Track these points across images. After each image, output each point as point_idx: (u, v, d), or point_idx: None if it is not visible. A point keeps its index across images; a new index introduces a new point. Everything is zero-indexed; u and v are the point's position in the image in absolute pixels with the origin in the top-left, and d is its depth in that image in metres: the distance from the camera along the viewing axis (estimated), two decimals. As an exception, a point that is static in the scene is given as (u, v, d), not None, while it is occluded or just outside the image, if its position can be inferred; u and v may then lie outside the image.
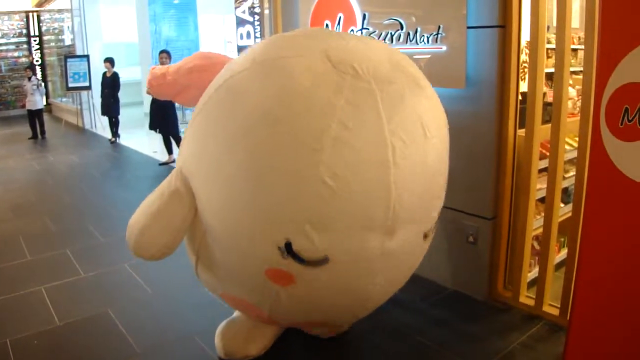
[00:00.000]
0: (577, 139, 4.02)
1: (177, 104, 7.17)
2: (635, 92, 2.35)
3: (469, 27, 3.60)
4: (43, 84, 14.38)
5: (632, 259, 2.44)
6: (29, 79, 12.73)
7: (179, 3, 14.34)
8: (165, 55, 8.95)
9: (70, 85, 13.60)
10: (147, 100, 10.89)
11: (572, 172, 4.02)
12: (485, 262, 3.88)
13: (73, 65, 13.52)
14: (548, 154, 3.60)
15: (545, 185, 3.65)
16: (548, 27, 3.59)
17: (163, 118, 8.68)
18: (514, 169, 3.75)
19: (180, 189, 2.56)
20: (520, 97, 3.67)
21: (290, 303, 2.57)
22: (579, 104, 4.13)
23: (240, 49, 6.43)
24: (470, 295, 3.98)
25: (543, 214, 3.67)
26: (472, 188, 3.85)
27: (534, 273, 3.92)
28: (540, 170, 3.71)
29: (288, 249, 2.27)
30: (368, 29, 4.22)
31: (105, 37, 15.56)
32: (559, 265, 3.94)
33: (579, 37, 4.53)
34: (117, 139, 11.80)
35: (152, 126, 8.95)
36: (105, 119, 12.10)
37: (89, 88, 13.53)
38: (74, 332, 3.71)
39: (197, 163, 2.52)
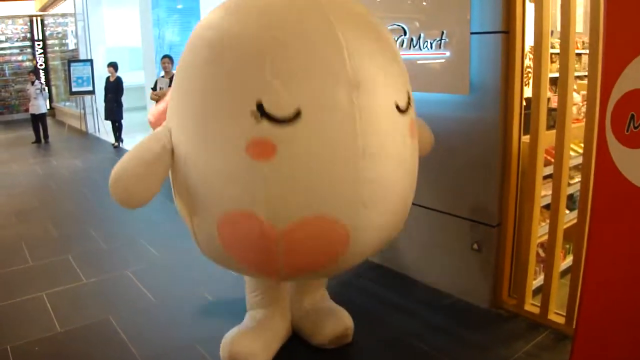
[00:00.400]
0: (581, 144, 4.00)
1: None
2: (641, 98, 2.32)
3: (472, 33, 3.57)
4: (46, 88, 14.41)
5: (639, 266, 2.40)
6: (32, 83, 12.78)
7: (183, 8, 14.33)
8: (167, 60, 8.97)
9: (74, 89, 13.60)
10: (151, 104, 10.88)
11: (577, 179, 3.99)
12: (489, 270, 3.85)
13: (76, 70, 13.53)
14: (553, 160, 3.57)
15: (550, 192, 3.62)
16: (552, 32, 3.56)
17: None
18: (518, 176, 3.72)
19: (162, 132, 2.76)
20: (524, 103, 3.64)
21: (280, 185, 2.43)
22: (583, 109, 4.12)
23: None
24: (475, 303, 3.94)
25: (548, 221, 3.64)
26: (477, 195, 3.82)
27: (538, 281, 3.88)
28: (545, 177, 3.68)
29: (260, 110, 2.34)
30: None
31: (109, 41, 15.56)
32: (564, 273, 3.90)
33: (583, 42, 4.51)
34: (120, 143, 11.81)
35: (156, 130, 8.92)
36: (109, 124, 12.12)
37: (92, 92, 13.54)
38: (75, 339, 3.69)
39: (172, 107, 2.78)
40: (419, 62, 3.92)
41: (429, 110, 3.94)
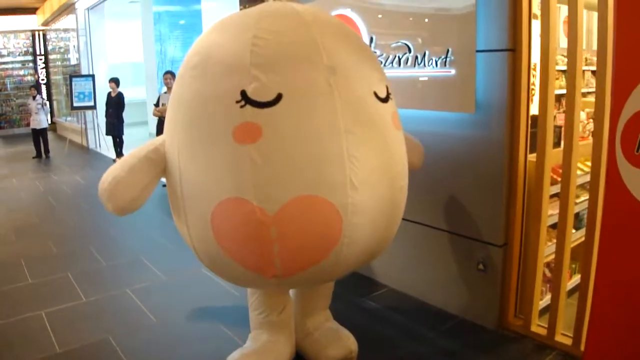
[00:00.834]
0: (587, 163, 3.97)
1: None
2: (652, 119, 2.29)
3: (478, 51, 3.54)
4: (48, 103, 14.40)
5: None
6: (34, 97, 12.78)
7: (185, 23, 14.40)
8: (169, 76, 8.95)
9: (75, 104, 13.61)
10: (152, 120, 10.89)
11: (583, 197, 3.95)
12: (495, 290, 3.79)
13: (78, 85, 13.54)
14: (559, 179, 3.53)
15: (556, 211, 3.58)
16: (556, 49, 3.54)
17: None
18: (524, 195, 3.67)
19: (158, 141, 2.87)
20: (529, 121, 3.61)
21: (269, 167, 2.48)
22: (588, 127, 4.09)
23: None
24: (480, 324, 3.88)
25: (554, 240, 3.59)
26: (482, 214, 3.77)
27: (545, 301, 3.82)
28: (551, 196, 3.64)
29: (244, 97, 2.48)
30: (375, 52, 4.17)
31: (111, 56, 15.62)
32: (570, 292, 3.84)
33: (586, 59, 4.48)
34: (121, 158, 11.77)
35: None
36: (110, 139, 12.10)
37: (93, 108, 13.55)
38: (74, 360, 3.64)
39: (168, 114, 2.90)
40: (423, 80, 3.89)
41: (434, 128, 3.92)
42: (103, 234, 6.57)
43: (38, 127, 12.78)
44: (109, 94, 11.66)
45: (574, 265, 4.09)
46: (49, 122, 14.75)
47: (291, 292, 3.44)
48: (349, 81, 2.64)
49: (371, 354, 3.48)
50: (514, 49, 3.44)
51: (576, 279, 3.94)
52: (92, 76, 13.75)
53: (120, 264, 5.48)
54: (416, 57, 3.91)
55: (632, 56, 2.43)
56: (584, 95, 4.25)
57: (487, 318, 3.85)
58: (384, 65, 4.08)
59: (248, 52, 2.55)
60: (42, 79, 19.06)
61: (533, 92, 3.69)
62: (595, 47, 3.69)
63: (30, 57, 18.96)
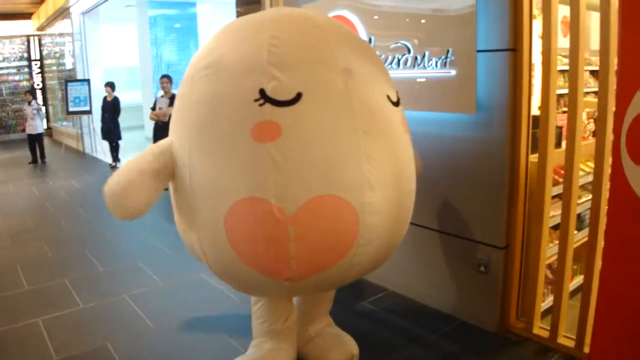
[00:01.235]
0: (589, 163, 3.95)
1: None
2: (658, 118, 2.26)
3: (479, 51, 3.51)
4: (43, 108, 14.34)
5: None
6: (29, 103, 12.72)
7: (180, 27, 14.38)
8: (166, 79, 8.92)
9: (71, 109, 13.55)
10: (148, 124, 10.85)
11: (585, 198, 3.93)
12: (497, 292, 3.75)
13: (73, 90, 13.48)
14: (561, 180, 3.50)
15: (558, 212, 3.55)
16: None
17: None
18: (526, 196, 3.64)
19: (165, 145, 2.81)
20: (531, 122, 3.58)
21: (286, 166, 2.44)
22: (589, 127, 4.06)
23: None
24: (482, 326, 3.84)
25: (556, 242, 3.56)
26: (483, 216, 3.74)
27: (547, 303, 3.79)
28: (553, 197, 3.60)
29: (263, 95, 2.47)
30: (374, 53, 4.14)
31: (106, 61, 15.57)
32: (572, 294, 3.81)
33: (585, 58, 4.46)
34: (118, 163, 11.73)
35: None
36: (106, 144, 12.04)
37: (89, 112, 13.48)
38: (72, 368, 3.59)
39: (175, 116, 2.86)
40: (424, 80, 3.86)
41: (434, 129, 3.89)
42: (100, 239, 6.51)
43: (34, 133, 12.71)
44: (105, 98, 11.60)
45: (575, 267, 4.06)
46: (45, 127, 14.70)
47: (294, 299, 3.40)
48: (364, 84, 2.67)
49: (372, 357, 3.45)
50: (515, 49, 3.41)
51: (578, 280, 3.91)
52: (88, 81, 13.69)
53: (118, 270, 5.42)
54: (416, 58, 3.88)
55: (636, 55, 2.40)
56: (584, 95, 4.24)
57: (488, 321, 3.81)
58: (383, 66, 4.06)
59: (265, 52, 2.54)
60: (38, 84, 19.00)
61: (532, 92, 3.66)
62: (593, 47, 3.69)
63: (25, 62, 18.90)
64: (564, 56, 3.84)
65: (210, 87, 2.64)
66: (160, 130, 8.38)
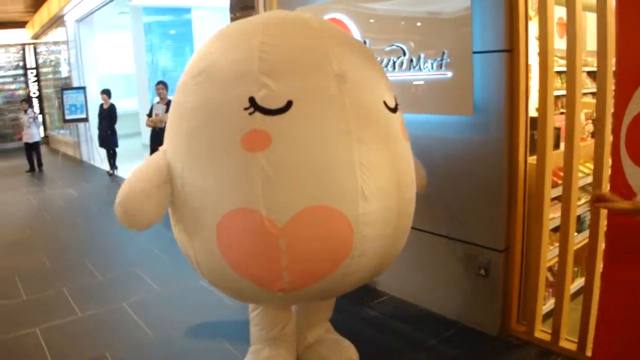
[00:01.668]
0: (587, 164, 3.93)
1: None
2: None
3: (474, 52, 3.50)
4: (40, 116, 14.30)
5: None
6: (25, 111, 12.69)
7: (175, 33, 14.35)
8: (162, 86, 8.91)
9: (67, 117, 13.51)
10: (145, 131, 10.82)
11: (584, 200, 3.91)
12: (497, 296, 3.73)
13: (70, 97, 13.44)
14: (560, 181, 3.48)
15: (557, 214, 3.52)
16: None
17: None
18: (525, 198, 3.62)
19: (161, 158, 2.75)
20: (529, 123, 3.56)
21: (277, 177, 2.40)
22: (587, 128, 4.05)
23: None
24: (482, 330, 3.81)
25: (557, 244, 3.54)
26: (483, 219, 3.71)
27: (548, 306, 3.77)
28: (552, 199, 3.58)
29: (253, 104, 2.42)
30: (370, 56, 4.13)
31: (102, 68, 15.55)
32: (573, 296, 3.78)
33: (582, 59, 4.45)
34: (115, 171, 11.71)
35: (152, 157, 8.83)
36: (103, 151, 12.01)
37: (86, 120, 13.46)
38: (70, 378, 3.55)
39: (169, 123, 2.84)
40: (419, 83, 3.85)
41: (431, 132, 3.87)
42: (97, 247, 6.48)
43: (30, 141, 12.69)
44: (101, 105, 11.58)
45: (576, 269, 4.03)
46: (42, 135, 14.67)
47: (293, 306, 3.37)
48: (359, 89, 2.60)
49: (373, 364, 3.42)
50: (511, 50, 3.40)
51: (579, 282, 3.88)
52: (84, 88, 13.67)
53: (116, 277, 5.39)
54: (411, 60, 3.86)
55: (634, 56, 2.39)
56: (582, 96, 4.22)
57: (489, 324, 3.79)
58: (379, 69, 4.04)
59: (256, 59, 2.50)
60: (34, 93, 18.98)
61: (529, 93, 3.65)
62: (589, 47, 3.67)
63: (21, 71, 18.88)
64: (561, 57, 3.83)
65: (202, 95, 2.60)
66: (157, 136, 8.35)
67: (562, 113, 3.56)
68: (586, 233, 3.40)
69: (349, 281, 2.68)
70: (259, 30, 2.64)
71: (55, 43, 16.47)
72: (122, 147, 12.05)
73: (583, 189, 3.90)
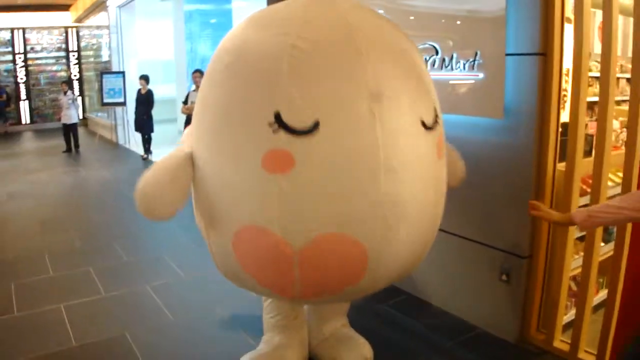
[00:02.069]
0: (618, 174, 3.84)
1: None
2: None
3: (507, 54, 3.44)
4: (80, 98, 14.56)
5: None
6: (65, 93, 12.97)
7: (215, 22, 14.46)
8: (198, 74, 8.99)
9: (105, 100, 13.76)
10: (181, 117, 10.95)
11: (613, 209, 3.81)
12: (518, 303, 3.68)
13: (108, 81, 13.69)
14: (589, 190, 3.41)
15: (584, 223, 3.45)
16: (590, 54, 3.42)
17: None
18: (552, 205, 3.55)
19: (186, 152, 2.65)
20: (560, 129, 3.49)
21: (297, 198, 2.32)
22: (622, 136, 3.95)
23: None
24: (501, 336, 3.76)
25: (582, 254, 3.47)
26: (507, 224, 3.66)
27: (569, 316, 3.70)
28: (580, 207, 3.51)
29: (278, 121, 2.26)
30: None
31: (142, 54, 15.77)
32: (596, 308, 3.71)
33: (621, 65, 4.35)
34: (149, 155, 11.87)
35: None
36: (139, 135, 12.19)
37: (123, 104, 13.67)
38: (89, 355, 3.64)
39: (195, 114, 2.72)
40: (450, 83, 3.80)
41: (460, 133, 3.81)
42: (126, 230, 6.59)
43: (68, 122, 12.96)
44: (139, 91, 11.74)
45: (601, 280, 3.95)
46: (80, 117, 14.95)
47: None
48: (394, 109, 2.37)
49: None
50: (544, 53, 3.33)
51: (603, 294, 3.80)
52: (123, 73, 13.89)
53: (142, 260, 5.49)
54: (443, 60, 3.82)
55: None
56: (619, 103, 4.13)
57: (508, 331, 3.74)
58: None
59: (286, 63, 2.31)
60: (75, 75, 19.35)
61: (565, 98, 3.58)
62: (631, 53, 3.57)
63: (63, 54, 19.26)
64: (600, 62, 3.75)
65: (225, 90, 2.49)
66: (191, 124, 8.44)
67: (597, 120, 3.48)
68: (614, 244, 3.32)
69: (361, 294, 2.67)
70: (292, 28, 2.42)
71: (98, 27, 16.76)
72: (158, 133, 12.21)
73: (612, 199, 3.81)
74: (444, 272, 4.17)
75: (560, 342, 3.59)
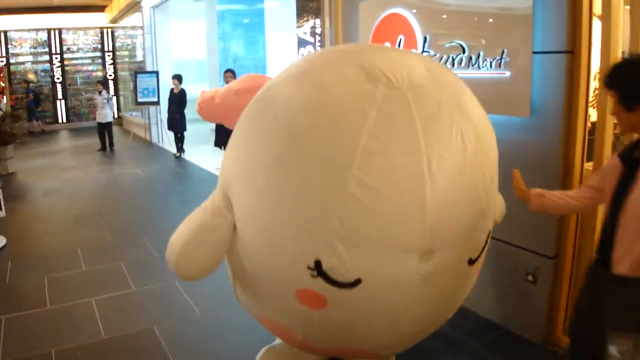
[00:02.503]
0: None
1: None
2: None
3: (534, 52, 3.41)
4: (115, 97, 14.79)
5: None
6: (100, 92, 13.22)
7: (248, 22, 14.57)
8: (230, 74, 9.08)
9: (139, 100, 13.99)
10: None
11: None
12: (544, 303, 3.63)
13: (143, 81, 13.91)
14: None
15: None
16: (623, 53, 3.36)
17: (229, 135, 8.65)
18: (579, 205, 3.50)
19: (221, 204, 2.49)
20: (589, 127, 3.44)
21: (323, 327, 2.41)
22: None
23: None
24: (527, 337, 3.73)
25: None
26: (534, 224, 3.62)
27: (598, 317, 3.64)
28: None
29: (318, 268, 2.14)
30: (429, 52, 4.09)
31: (175, 53, 15.97)
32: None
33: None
34: (182, 154, 12.02)
35: (218, 143, 9.02)
36: (172, 134, 12.36)
37: (157, 103, 13.87)
38: (118, 348, 3.73)
39: (233, 175, 2.44)
40: (477, 81, 3.77)
41: (486, 131, 3.79)
42: (158, 226, 6.70)
43: (103, 121, 13.21)
44: (172, 90, 11.89)
45: (631, 281, 3.88)
46: (115, 116, 15.20)
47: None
48: (443, 262, 2.21)
49: (410, 360, 3.41)
50: (572, 51, 3.29)
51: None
52: (156, 73, 14.09)
53: (171, 256, 5.57)
54: (470, 58, 3.80)
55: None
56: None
57: (533, 331, 3.70)
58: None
59: (336, 219, 2.03)
60: (110, 75, 19.70)
61: (596, 97, 3.53)
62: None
63: (99, 54, 19.64)
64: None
65: (273, 188, 2.18)
66: (223, 125, 8.50)
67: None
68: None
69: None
70: (353, 158, 1.99)
71: (132, 28, 17.03)
72: (190, 132, 12.35)
73: None
74: (469, 272, 4.14)
75: (587, 343, 3.54)
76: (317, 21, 5.90)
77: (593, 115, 3.46)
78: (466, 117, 2.21)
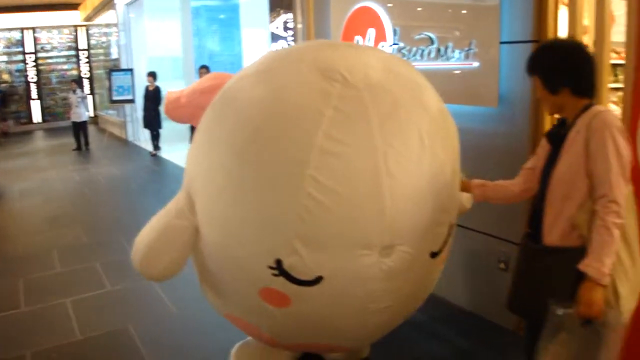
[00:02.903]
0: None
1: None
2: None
3: (502, 43, 3.44)
4: (90, 96, 14.65)
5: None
6: (74, 91, 13.09)
7: (224, 18, 14.51)
8: (205, 70, 9.07)
9: (114, 97, 13.87)
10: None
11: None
12: (516, 290, 3.68)
13: (117, 79, 13.79)
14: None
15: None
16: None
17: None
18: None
19: (184, 206, 2.50)
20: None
21: (288, 324, 2.45)
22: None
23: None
24: (500, 324, 3.77)
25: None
26: (503, 211, 3.64)
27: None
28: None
29: (279, 267, 2.17)
30: (398, 44, 4.10)
31: (150, 51, 15.84)
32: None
33: (619, 53, 4.31)
34: (158, 152, 11.95)
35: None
36: (148, 132, 12.27)
37: (132, 101, 13.77)
38: (93, 347, 3.71)
39: (195, 175, 2.48)
40: (446, 72, 3.81)
41: (456, 123, 3.82)
42: (134, 225, 6.49)
43: (78, 120, 13.09)
44: (147, 87, 11.83)
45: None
46: (91, 115, 15.05)
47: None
48: (405, 255, 2.26)
49: (384, 350, 3.42)
50: (538, 40, 3.31)
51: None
52: (131, 70, 13.99)
53: (147, 255, 5.53)
54: (439, 50, 3.83)
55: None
56: (617, 90, 4.10)
57: (506, 318, 3.72)
58: (408, 58, 4.01)
59: (295, 214, 2.07)
60: (85, 73, 19.50)
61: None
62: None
63: (73, 52, 19.42)
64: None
65: (233, 187, 2.23)
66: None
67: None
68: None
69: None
70: (312, 160, 2.05)
71: (107, 25, 16.88)
72: (167, 129, 12.27)
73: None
74: (444, 262, 4.18)
75: (558, 328, 3.59)
76: (290, 16, 5.90)
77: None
78: (424, 113, 2.26)
